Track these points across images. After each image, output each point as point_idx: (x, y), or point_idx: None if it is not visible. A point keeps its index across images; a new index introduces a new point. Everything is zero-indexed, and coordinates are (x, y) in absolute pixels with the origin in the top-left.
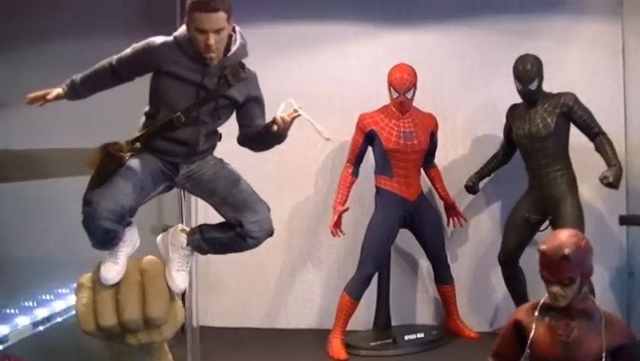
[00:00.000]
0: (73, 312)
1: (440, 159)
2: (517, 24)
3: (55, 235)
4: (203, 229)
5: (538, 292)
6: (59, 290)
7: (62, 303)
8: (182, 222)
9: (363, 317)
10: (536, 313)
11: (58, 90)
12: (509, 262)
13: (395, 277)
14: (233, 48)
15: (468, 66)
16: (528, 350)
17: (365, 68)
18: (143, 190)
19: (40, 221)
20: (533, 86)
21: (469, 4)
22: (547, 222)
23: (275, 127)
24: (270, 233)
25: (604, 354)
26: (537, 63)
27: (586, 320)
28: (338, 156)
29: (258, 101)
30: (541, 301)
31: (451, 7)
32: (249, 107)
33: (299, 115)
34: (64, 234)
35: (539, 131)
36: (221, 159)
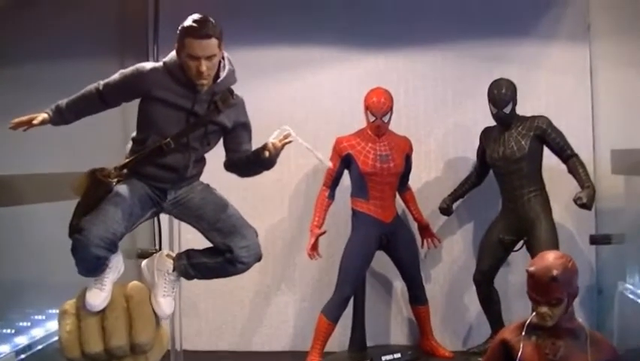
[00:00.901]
0: (54, 339)
1: (413, 181)
2: (488, 50)
3: (29, 261)
4: (190, 254)
5: (511, 310)
6: (36, 317)
7: (41, 330)
8: (155, 246)
9: (338, 338)
10: (523, 333)
11: (43, 115)
12: (485, 282)
13: (369, 298)
14: (223, 74)
15: (441, 90)
16: None
17: (340, 91)
18: (132, 216)
19: (14, 248)
20: (508, 110)
21: (442, 31)
22: (521, 243)
23: (267, 153)
24: (259, 258)
25: None
26: (511, 87)
27: (572, 339)
28: (312, 179)
29: (245, 126)
30: (528, 320)
31: (423, 33)
32: (237, 132)
33: (290, 142)
34: (38, 260)
35: (514, 154)
36: (207, 185)
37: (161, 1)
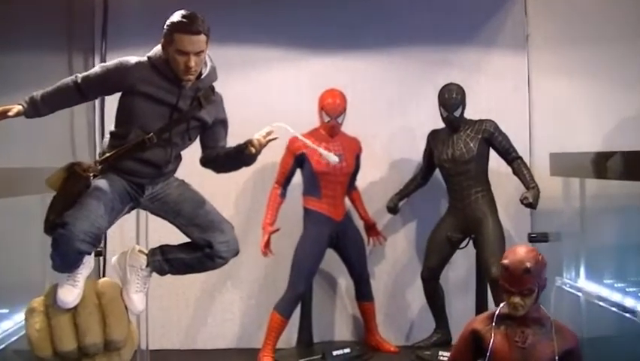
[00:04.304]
0: (15, 338)
1: (359, 181)
2: (432, 55)
3: None
4: (164, 250)
5: (452, 306)
6: None
7: None
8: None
9: (284, 334)
10: (493, 323)
11: (18, 107)
12: (431, 278)
13: (314, 295)
14: (206, 71)
15: (386, 93)
16: (488, 357)
17: (288, 92)
18: (113, 211)
19: None
20: (457, 113)
21: (389, 35)
22: (466, 241)
23: (252, 149)
24: (236, 253)
25: (556, 358)
26: (461, 92)
27: (539, 328)
28: (259, 178)
29: (224, 123)
30: (497, 311)
31: (371, 37)
32: (216, 129)
33: (275, 138)
34: None
35: (463, 156)
36: (183, 180)
37: None
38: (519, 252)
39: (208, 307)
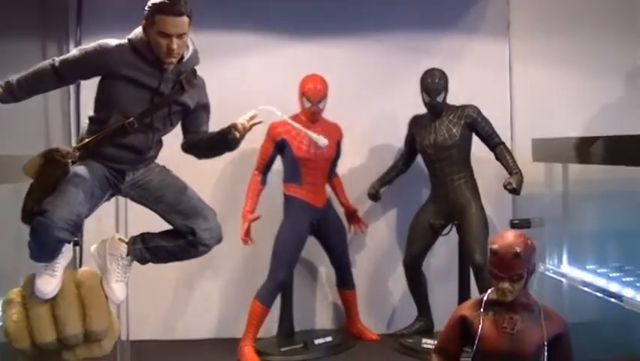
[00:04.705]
0: None
1: (339, 167)
2: (413, 41)
3: None
4: (145, 238)
5: (434, 293)
6: None
7: None
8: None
9: (264, 324)
10: (482, 309)
11: None
12: (414, 265)
13: (295, 283)
14: (187, 54)
15: (366, 79)
16: (476, 344)
17: (267, 78)
18: (93, 198)
19: None
20: (440, 99)
21: (369, 21)
22: (449, 227)
23: (236, 134)
24: (220, 240)
25: (545, 343)
26: (444, 77)
27: (527, 313)
28: (237, 164)
29: (206, 108)
30: (485, 297)
31: (351, 23)
32: (198, 113)
33: (259, 122)
34: None
35: (445, 141)
36: (164, 166)
37: None
38: (508, 237)
39: (187, 297)
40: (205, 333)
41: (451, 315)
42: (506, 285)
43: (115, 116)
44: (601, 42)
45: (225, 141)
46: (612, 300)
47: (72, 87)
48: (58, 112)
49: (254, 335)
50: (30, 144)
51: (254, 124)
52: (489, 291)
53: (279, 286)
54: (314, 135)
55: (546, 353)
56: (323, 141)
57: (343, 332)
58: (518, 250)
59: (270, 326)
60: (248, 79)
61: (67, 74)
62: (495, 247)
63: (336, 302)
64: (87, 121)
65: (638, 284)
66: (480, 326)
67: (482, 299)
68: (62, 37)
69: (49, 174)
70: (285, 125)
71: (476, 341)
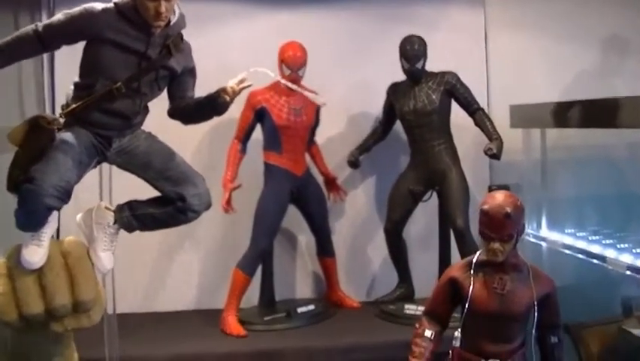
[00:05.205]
0: None
1: (317, 136)
2: (390, 9)
3: None
4: (132, 205)
5: (414, 260)
6: None
7: None
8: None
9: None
10: (472, 270)
11: None
12: (395, 231)
13: (274, 253)
14: (174, 18)
15: (344, 47)
16: (467, 305)
17: (246, 46)
18: (81, 165)
19: None
20: (419, 65)
21: None
22: (429, 193)
23: (226, 97)
24: (209, 206)
25: (535, 303)
26: (423, 44)
27: (516, 274)
28: (215, 134)
29: (192, 72)
30: (475, 258)
31: None
32: (184, 78)
33: (248, 85)
34: None
35: (425, 107)
36: (150, 133)
37: None
38: (498, 197)
39: (166, 269)
40: (185, 305)
41: (440, 277)
42: (497, 245)
43: (101, 82)
44: (576, 8)
45: (214, 105)
46: (594, 261)
47: (46, 58)
48: (32, 83)
49: (237, 304)
50: (4, 116)
51: (243, 87)
52: (478, 253)
53: (261, 254)
54: (311, 95)
55: (536, 313)
56: (321, 100)
57: (324, 300)
58: (509, 210)
59: (251, 296)
60: (227, 47)
61: (51, 40)
62: (486, 207)
63: (316, 271)
64: (72, 87)
65: (618, 246)
66: (471, 287)
67: (472, 261)
68: (35, 7)
69: (34, 141)
70: (264, 93)
71: (467, 303)
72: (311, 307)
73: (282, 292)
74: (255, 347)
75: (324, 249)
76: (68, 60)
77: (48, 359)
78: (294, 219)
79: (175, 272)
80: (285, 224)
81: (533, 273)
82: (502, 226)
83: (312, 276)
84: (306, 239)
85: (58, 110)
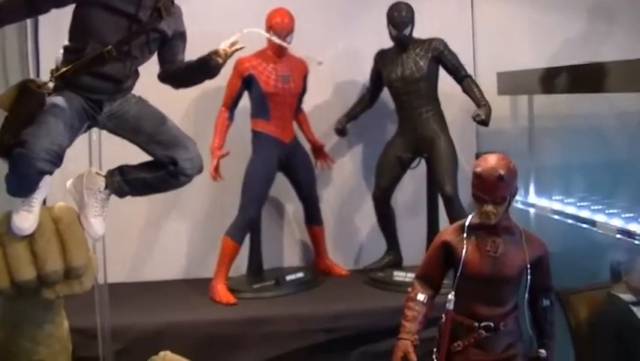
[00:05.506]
0: None
1: (304, 103)
2: None
3: None
4: (123, 170)
5: (402, 228)
6: None
7: None
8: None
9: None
10: (464, 234)
11: None
12: (383, 199)
13: (262, 221)
14: None
15: (330, 14)
16: (460, 268)
17: (231, 13)
18: (72, 129)
19: None
20: (407, 32)
21: None
22: (417, 160)
23: (218, 59)
24: (201, 170)
25: (528, 265)
26: (410, 10)
27: (509, 236)
28: (203, 102)
29: (183, 36)
30: (467, 222)
31: None
32: (174, 42)
33: (241, 48)
34: None
35: (413, 74)
36: (141, 97)
37: None
38: (491, 160)
39: (153, 238)
40: (173, 274)
41: (433, 241)
42: (490, 207)
43: (92, 45)
44: None
45: (206, 68)
46: (584, 226)
47: (30, 24)
48: (15, 53)
49: (226, 272)
50: None
51: (235, 50)
52: (470, 216)
53: (250, 221)
54: (308, 54)
55: (529, 276)
56: (319, 59)
57: (312, 268)
58: (502, 172)
59: (238, 264)
60: (212, 15)
61: (41, 3)
62: (479, 170)
63: (303, 239)
64: (62, 51)
65: (607, 211)
66: (463, 251)
67: (464, 224)
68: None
69: (24, 105)
70: (251, 60)
71: (460, 266)
72: (299, 275)
73: (270, 261)
74: (244, 314)
75: (312, 217)
76: (52, 26)
77: (39, 327)
78: (281, 187)
79: (163, 241)
80: (272, 192)
81: (526, 236)
82: (495, 189)
83: (300, 244)
84: (293, 207)
85: (42, 77)
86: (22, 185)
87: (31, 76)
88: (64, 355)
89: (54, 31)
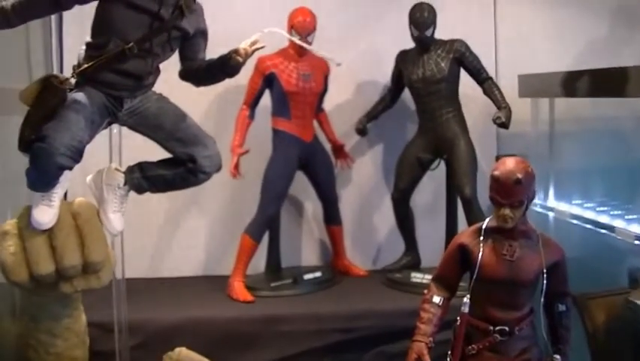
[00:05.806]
0: None
1: (325, 103)
2: None
3: None
4: (143, 166)
5: (420, 229)
6: None
7: None
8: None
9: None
10: (481, 237)
11: None
12: (402, 200)
13: (281, 219)
14: None
15: (352, 14)
16: (476, 271)
17: (254, 12)
18: (93, 125)
19: None
20: (429, 33)
21: None
22: (437, 162)
23: (239, 58)
24: (219, 168)
25: (544, 270)
26: (433, 11)
27: (526, 241)
28: (224, 100)
29: (204, 34)
30: (484, 225)
31: None
32: (196, 40)
33: (261, 47)
34: None
35: (434, 75)
36: (161, 94)
37: None
38: (509, 163)
39: (173, 235)
40: (192, 271)
41: (450, 244)
42: (507, 211)
43: (114, 41)
44: None
45: (226, 66)
46: (602, 231)
47: (54, 19)
48: (39, 46)
49: (244, 270)
50: (12, 78)
51: (256, 49)
52: (487, 219)
53: (269, 220)
54: (327, 55)
55: (545, 281)
56: (338, 60)
57: (330, 268)
58: (520, 176)
59: (256, 263)
60: (235, 14)
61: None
62: (497, 173)
63: (322, 238)
64: (84, 47)
65: (626, 217)
66: (480, 254)
67: (481, 227)
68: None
69: (46, 100)
70: (273, 59)
71: (476, 269)
72: (317, 274)
73: (289, 259)
74: (261, 312)
75: (331, 216)
76: (76, 22)
77: (56, 320)
78: (301, 186)
79: (182, 238)
80: (292, 191)
81: (543, 240)
82: (513, 192)
83: (319, 243)
84: (312, 206)
85: (65, 73)
86: (42, 179)
87: (55, 71)
88: (81, 348)
89: (78, 27)
